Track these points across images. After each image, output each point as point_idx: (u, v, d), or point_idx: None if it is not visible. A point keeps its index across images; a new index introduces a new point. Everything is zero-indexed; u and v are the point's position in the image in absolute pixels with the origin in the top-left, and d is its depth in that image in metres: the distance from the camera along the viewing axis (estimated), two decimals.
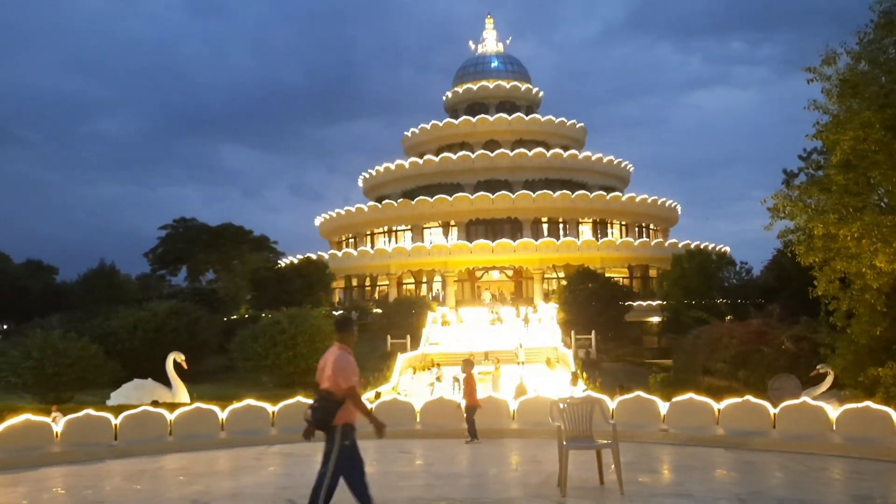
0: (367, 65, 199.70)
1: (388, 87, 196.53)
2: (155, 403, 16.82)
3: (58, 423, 12.60)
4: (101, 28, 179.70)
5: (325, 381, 6.49)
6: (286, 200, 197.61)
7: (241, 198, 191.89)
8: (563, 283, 47.80)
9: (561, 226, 61.11)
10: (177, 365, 20.95)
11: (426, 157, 65.22)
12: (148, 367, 26.82)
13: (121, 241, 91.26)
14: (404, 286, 61.04)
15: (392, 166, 66.99)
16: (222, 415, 13.40)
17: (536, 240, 56.76)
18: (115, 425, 12.68)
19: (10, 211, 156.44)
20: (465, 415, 12.93)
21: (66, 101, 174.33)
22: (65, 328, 31.58)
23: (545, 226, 61.03)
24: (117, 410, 13.79)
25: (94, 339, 31.50)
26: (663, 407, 13.10)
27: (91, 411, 12.87)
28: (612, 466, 8.42)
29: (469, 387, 13.08)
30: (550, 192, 58.84)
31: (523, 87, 71.81)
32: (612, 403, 13.19)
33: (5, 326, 48.08)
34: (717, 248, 56.83)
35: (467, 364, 13.60)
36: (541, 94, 73.35)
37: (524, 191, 59.47)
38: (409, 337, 40.55)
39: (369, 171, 69.66)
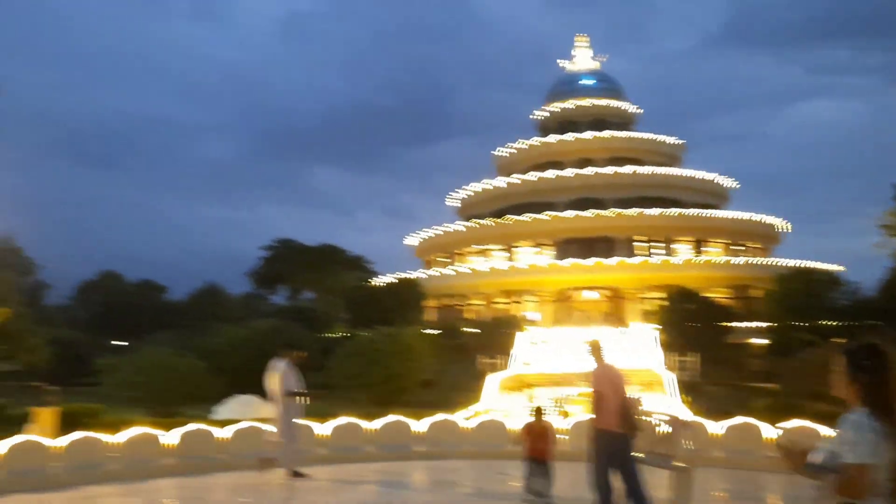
0: (457, 84, 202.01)
1: (478, 106, 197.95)
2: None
3: None
4: (200, 55, 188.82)
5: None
6: (378, 221, 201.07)
7: (334, 219, 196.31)
8: (660, 303, 46.69)
9: (657, 244, 59.73)
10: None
11: (519, 176, 65.18)
12: (251, 383, 27.69)
13: (224, 260, 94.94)
14: (496, 305, 60.95)
15: (484, 186, 67.25)
16: (322, 430, 13.71)
17: (631, 259, 55.68)
18: (220, 438, 13.16)
19: (121, 232, 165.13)
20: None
21: (169, 126, 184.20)
22: (174, 345, 33.04)
23: (640, 244, 59.81)
24: (223, 424, 14.32)
25: (201, 355, 32.80)
26: (770, 433, 12.58)
27: (202, 425, 13.43)
28: (682, 490, 8.21)
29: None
30: (646, 210, 57.69)
31: (616, 103, 70.91)
32: (715, 428, 12.77)
33: (125, 343, 50.75)
34: (825, 267, 54.28)
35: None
36: (634, 110, 72.25)
37: (619, 209, 58.56)
38: (500, 357, 40.39)
39: (461, 190, 70.18)
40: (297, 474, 10.98)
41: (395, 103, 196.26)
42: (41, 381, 25.94)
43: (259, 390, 23.07)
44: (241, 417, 18.05)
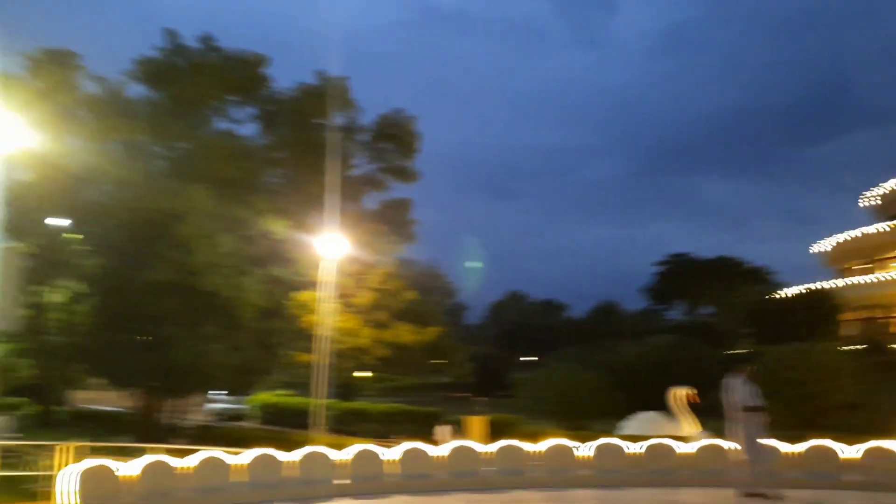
0: (860, 71, 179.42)
1: (889, 91, 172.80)
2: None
3: None
4: (583, 81, 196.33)
5: None
6: (776, 228, 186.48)
7: (726, 229, 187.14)
8: None
9: None
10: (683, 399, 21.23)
11: None
12: (652, 399, 27.65)
13: (617, 277, 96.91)
14: None
15: None
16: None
17: None
18: (631, 453, 13.35)
19: (521, 255, 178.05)
20: None
21: (559, 153, 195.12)
22: (576, 361, 34.47)
23: None
24: (631, 440, 14.53)
25: (601, 371, 33.70)
26: None
27: (615, 440, 13.86)
28: None
29: None
30: None
31: None
32: None
33: (534, 359, 54.70)
34: None
35: None
36: None
37: None
38: None
39: (878, 187, 61.71)
40: (757, 495, 10.77)
41: (787, 101, 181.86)
42: (468, 393, 29.18)
43: (662, 406, 23.00)
44: (647, 434, 18.11)
